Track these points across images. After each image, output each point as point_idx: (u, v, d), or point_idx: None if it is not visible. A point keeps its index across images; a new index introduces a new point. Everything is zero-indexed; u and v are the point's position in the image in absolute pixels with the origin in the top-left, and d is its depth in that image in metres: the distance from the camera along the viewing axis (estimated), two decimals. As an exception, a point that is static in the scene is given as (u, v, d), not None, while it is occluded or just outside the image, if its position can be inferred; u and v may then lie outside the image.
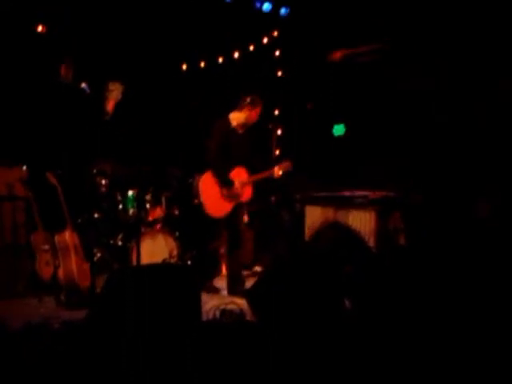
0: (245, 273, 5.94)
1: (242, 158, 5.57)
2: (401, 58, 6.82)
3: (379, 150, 6.78)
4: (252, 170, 5.59)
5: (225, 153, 5.42)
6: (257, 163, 5.63)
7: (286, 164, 5.64)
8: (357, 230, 5.61)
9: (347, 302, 4.06)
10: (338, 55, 7.26)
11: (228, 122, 5.56)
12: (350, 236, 5.73)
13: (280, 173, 5.61)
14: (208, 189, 5.45)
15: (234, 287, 5.46)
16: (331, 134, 7.27)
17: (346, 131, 7.24)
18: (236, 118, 5.57)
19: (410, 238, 5.43)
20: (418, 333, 3.52)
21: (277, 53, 7.46)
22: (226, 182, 5.42)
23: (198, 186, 5.46)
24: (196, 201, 5.53)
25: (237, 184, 5.46)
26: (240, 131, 5.61)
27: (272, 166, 5.61)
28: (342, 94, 7.23)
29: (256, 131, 5.73)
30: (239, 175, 5.53)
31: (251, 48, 7.38)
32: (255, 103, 5.51)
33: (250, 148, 5.63)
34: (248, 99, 5.49)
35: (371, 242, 5.46)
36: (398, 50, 6.79)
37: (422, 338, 3.46)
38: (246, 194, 5.57)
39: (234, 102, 5.65)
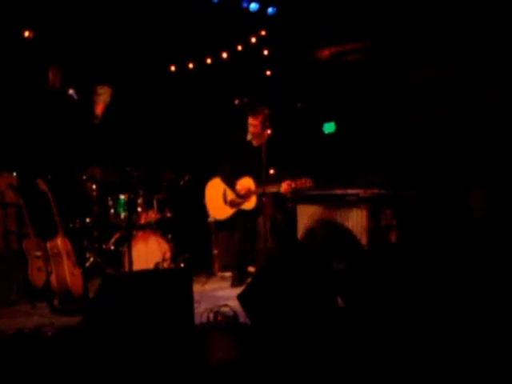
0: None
1: (252, 170, 5.61)
2: (389, 53, 6.83)
3: (370, 147, 6.79)
4: (260, 183, 5.58)
5: (234, 160, 5.76)
6: (266, 177, 5.48)
7: (305, 181, 5.46)
8: (348, 227, 5.65)
9: (340, 300, 4.08)
10: (325, 53, 7.27)
11: (243, 134, 5.81)
12: (342, 234, 5.76)
13: (290, 189, 5.46)
14: (212, 192, 5.92)
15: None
16: (322, 133, 7.28)
17: (337, 129, 7.25)
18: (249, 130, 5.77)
19: (402, 235, 5.45)
20: (411, 329, 3.54)
21: (265, 52, 7.46)
22: (229, 183, 5.73)
23: (205, 188, 5.96)
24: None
25: (238, 187, 5.67)
26: (255, 143, 5.76)
27: (280, 181, 5.46)
28: (331, 93, 7.24)
29: (274, 146, 5.57)
30: (245, 183, 5.69)
31: (239, 48, 7.37)
32: (255, 111, 5.60)
33: (262, 161, 5.42)
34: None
35: (363, 240, 5.49)
36: (385, 46, 6.81)
37: (415, 334, 3.47)
38: (249, 203, 5.68)
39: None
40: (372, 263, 4.43)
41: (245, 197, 5.66)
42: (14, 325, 4.25)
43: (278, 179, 5.49)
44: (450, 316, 3.62)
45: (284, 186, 5.45)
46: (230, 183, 5.72)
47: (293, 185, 5.45)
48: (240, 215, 5.75)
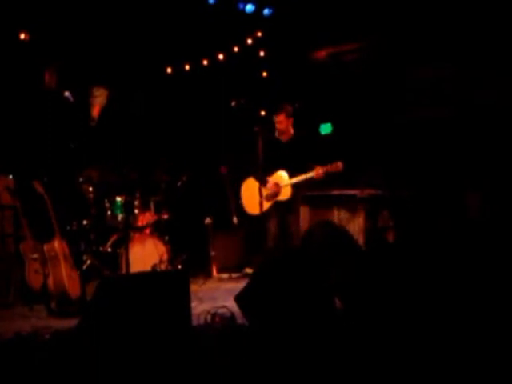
0: (234, 275, 5.99)
1: (285, 164, 5.74)
2: (386, 54, 6.84)
3: (367, 148, 6.80)
4: (293, 174, 5.69)
5: (266, 158, 5.76)
6: (298, 168, 5.65)
7: (336, 165, 5.53)
8: (346, 228, 5.65)
9: (338, 302, 4.08)
10: (322, 54, 7.27)
11: (273, 133, 5.96)
12: (340, 234, 5.76)
13: (322, 174, 5.53)
14: (248, 191, 6.00)
15: None
16: (318, 134, 7.28)
17: (333, 130, 7.25)
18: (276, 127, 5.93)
19: (399, 235, 5.45)
20: (409, 329, 3.53)
21: (261, 53, 7.46)
22: (261, 182, 5.76)
23: (240, 189, 6.08)
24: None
25: (270, 183, 5.78)
26: (282, 139, 5.90)
27: (311, 168, 5.57)
28: (328, 93, 7.25)
29: (301, 140, 5.85)
30: (278, 177, 5.77)
31: (235, 49, 7.37)
32: (278, 109, 5.80)
33: (294, 155, 5.70)
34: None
35: (360, 240, 5.50)
36: (382, 46, 6.81)
37: (413, 334, 3.47)
38: (284, 194, 5.75)
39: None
40: (369, 264, 4.42)
41: (278, 192, 5.76)
42: (11, 328, 4.23)
43: (308, 168, 5.59)
44: (448, 315, 3.62)
45: (317, 171, 5.52)
46: (262, 182, 5.80)
47: (325, 169, 5.51)
48: (275, 206, 5.84)
